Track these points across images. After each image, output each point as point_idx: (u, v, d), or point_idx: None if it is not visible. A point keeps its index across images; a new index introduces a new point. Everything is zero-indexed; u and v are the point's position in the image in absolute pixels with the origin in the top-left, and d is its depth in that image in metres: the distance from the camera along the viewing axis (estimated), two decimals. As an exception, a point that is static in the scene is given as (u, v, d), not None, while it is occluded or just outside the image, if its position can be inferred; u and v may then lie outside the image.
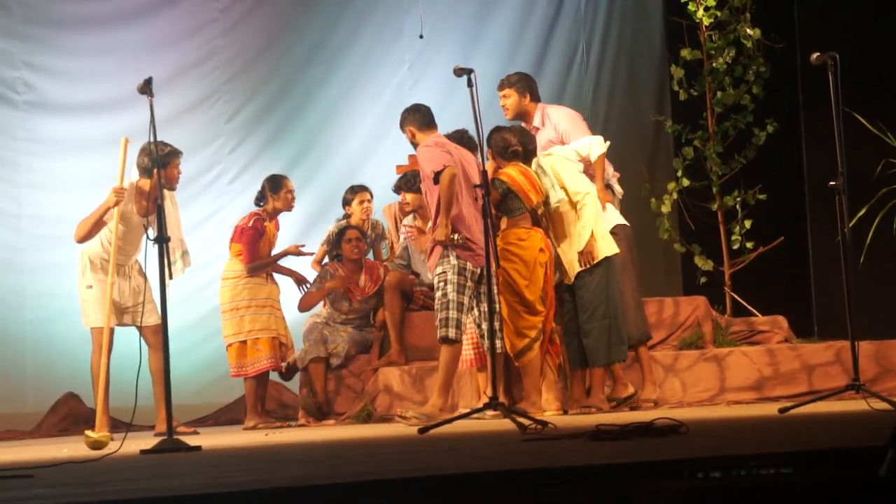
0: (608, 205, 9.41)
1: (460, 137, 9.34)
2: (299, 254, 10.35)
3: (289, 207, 10.34)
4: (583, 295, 9.11)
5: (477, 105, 7.65)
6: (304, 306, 10.47)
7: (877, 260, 10.44)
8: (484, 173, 7.86)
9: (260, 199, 10.33)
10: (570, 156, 9.33)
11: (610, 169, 9.75)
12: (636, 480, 3.99)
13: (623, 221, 9.51)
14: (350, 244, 10.47)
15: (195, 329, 11.66)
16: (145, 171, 9.61)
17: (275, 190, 10.26)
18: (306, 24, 12.63)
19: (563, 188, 9.11)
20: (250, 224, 10.18)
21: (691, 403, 9.62)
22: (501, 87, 9.79)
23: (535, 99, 9.81)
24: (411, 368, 9.99)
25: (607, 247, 9.11)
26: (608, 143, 9.52)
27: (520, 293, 8.89)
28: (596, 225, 9.08)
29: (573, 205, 9.11)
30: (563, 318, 9.22)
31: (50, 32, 11.80)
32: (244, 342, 10.13)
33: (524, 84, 9.78)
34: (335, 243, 10.60)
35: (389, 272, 10.46)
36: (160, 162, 9.31)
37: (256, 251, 10.13)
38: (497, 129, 9.30)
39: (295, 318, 10.77)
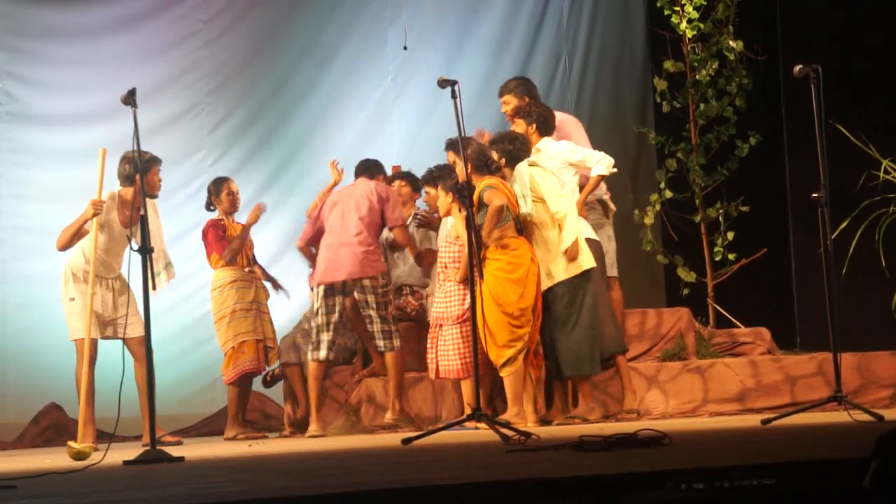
0: (581, 220, 9.38)
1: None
2: (258, 214, 10.39)
3: (233, 208, 10.40)
4: (555, 309, 9.11)
5: (461, 116, 7.66)
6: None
7: (859, 272, 10.46)
8: (467, 184, 7.85)
9: (208, 203, 10.40)
10: (571, 158, 9.35)
11: (604, 186, 9.78)
12: (620, 492, 3.99)
13: (594, 237, 9.49)
14: None
15: (179, 339, 11.63)
16: (127, 180, 9.61)
17: (217, 193, 10.34)
18: (290, 35, 12.62)
19: (542, 200, 9.11)
20: (206, 226, 10.26)
21: (674, 415, 9.63)
22: (501, 93, 9.87)
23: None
24: (394, 379, 9.97)
25: (585, 261, 9.13)
26: (615, 169, 9.55)
27: (512, 302, 8.88)
28: (580, 234, 9.12)
29: (549, 217, 9.11)
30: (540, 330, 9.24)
31: (33, 43, 11.78)
32: (234, 347, 10.13)
33: (523, 88, 9.84)
34: None
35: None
36: (141, 168, 9.33)
37: (223, 244, 10.16)
38: (475, 143, 9.34)
39: (284, 322, 10.79)
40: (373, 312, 9.70)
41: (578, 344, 9.08)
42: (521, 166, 9.15)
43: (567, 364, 9.09)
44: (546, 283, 9.10)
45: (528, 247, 9.03)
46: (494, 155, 9.18)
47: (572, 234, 9.04)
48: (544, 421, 9.13)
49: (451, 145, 9.73)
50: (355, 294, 9.74)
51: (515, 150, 9.20)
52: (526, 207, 9.08)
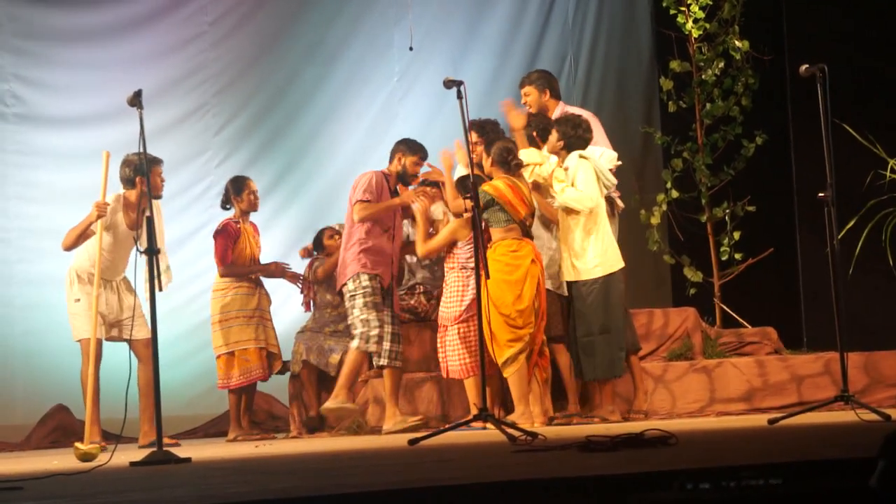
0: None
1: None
2: (283, 274, 10.41)
3: (253, 208, 10.37)
4: (579, 308, 9.09)
5: (466, 116, 7.66)
6: (323, 274, 10.44)
7: (866, 271, 10.45)
8: (473, 183, 7.85)
9: (225, 202, 10.37)
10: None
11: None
12: (626, 492, 3.99)
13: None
14: (331, 239, 10.49)
15: (184, 341, 11.63)
16: (128, 182, 9.64)
17: (237, 192, 10.31)
18: (295, 36, 12.61)
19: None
20: (221, 227, 10.22)
21: (681, 415, 9.63)
22: (522, 85, 10.00)
23: (556, 96, 9.93)
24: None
25: (611, 262, 9.09)
26: (619, 162, 9.55)
27: (509, 304, 8.87)
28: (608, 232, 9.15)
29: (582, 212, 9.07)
30: (564, 328, 9.24)
31: (40, 46, 11.78)
32: (232, 353, 10.12)
33: (543, 81, 9.92)
34: (316, 246, 10.62)
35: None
36: (142, 170, 9.34)
37: (229, 253, 10.14)
38: (500, 139, 9.35)
39: (285, 329, 10.78)
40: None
41: (610, 345, 9.05)
42: (573, 156, 9.12)
43: (601, 366, 9.05)
44: (571, 277, 9.08)
45: (531, 249, 9.01)
46: (553, 136, 9.18)
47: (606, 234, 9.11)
48: (568, 416, 9.14)
49: (479, 128, 9.65)
50: None
51: (576, 136, 9.18)
52: (560, 198, 9.06)
